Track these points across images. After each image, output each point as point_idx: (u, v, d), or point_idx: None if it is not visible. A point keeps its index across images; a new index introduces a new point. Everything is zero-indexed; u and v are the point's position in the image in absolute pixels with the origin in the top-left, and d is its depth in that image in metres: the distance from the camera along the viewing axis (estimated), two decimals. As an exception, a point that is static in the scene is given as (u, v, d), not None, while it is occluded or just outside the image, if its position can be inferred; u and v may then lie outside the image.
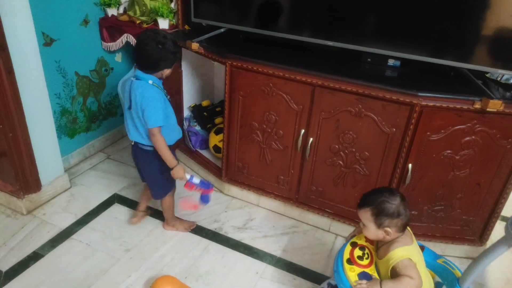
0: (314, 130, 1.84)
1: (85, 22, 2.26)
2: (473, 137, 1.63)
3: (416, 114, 1.59)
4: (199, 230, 2.03)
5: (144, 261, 1.82)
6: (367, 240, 1.39)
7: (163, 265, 1.80)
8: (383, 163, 1.77)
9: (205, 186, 1.72)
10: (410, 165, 1.71)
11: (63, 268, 1.75)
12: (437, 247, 1.95)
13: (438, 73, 1.79)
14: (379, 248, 1.35)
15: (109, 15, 2.33)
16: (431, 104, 1.56)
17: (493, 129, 1.59)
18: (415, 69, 1.81)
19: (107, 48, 2.41)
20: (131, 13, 2.31)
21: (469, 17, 1.60)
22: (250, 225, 2.09)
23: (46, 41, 2.05)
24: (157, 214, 2.09)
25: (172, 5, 2.23)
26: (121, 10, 2.37)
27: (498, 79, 1.74)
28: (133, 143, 1.71)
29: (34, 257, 1.80)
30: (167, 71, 1.61)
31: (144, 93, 1.53)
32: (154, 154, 1.65)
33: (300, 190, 2.03)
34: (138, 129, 1.62)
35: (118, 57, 2.57)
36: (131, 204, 2.16)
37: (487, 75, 1.77)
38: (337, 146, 1.83)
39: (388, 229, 1.26)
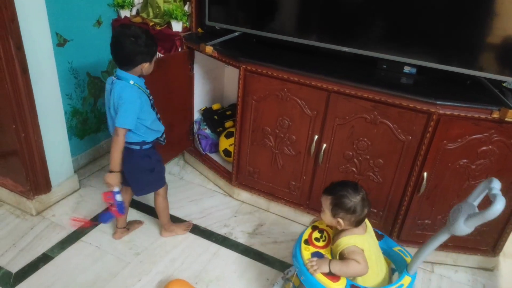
0: (328, 136, 1.82)
1: (98, 23, 2.26)
2: (489, 146, 1.61)
3: (433, 123, 1.57)
4: (208, 235, 2.01)
5: (154, 265, 1.80)
6: (328, 225, 1.45)
7: (174, 270, 1.79)
8: (397, 171, 1.75)
9: (120, 208, 1.64)
10: (425, 174, 1.69)
11: (73, 271, 1.74)
12: (449, 257, 1.93)
13: (454, 81, 1.77)
14: (335, 234, 1.43)
15: (122, 16, 2.33)
16: (448, 112, 1.55)
17: (511, 139, 1.58)
18: (431, 77, 1.80)
19: (119, 50, 2.40)
20: (144, 15, 2.30)
21: (487, 26, 1.59)
22: (260, 230, 2.07)
23: (60, 42, 2.05)
24: (167, 217, 2.08)
25: (186, 8, 2.22)
26: (134, 12, 2.37)
27: (516, 88, 1.73)
28: None
29: (44, 259, 1.79)
30: (146, 66, 1.55)
31: (121, 93, 1.51)
32: (139, 152, 1.61)
33: (311, 196, 2.01)
34: None
35: (129, 59, 2.56)
36: (140, 207, 2.15)
37: (504, 84, 1.76)
38: (350, 153, 1.81)
39: (341, 220, 1.33)
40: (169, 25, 2.23)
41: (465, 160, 1.66)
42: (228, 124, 2.49)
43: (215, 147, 2.49)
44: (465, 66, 1.65)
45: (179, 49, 2.19)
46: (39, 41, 1.75)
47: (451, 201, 1.77)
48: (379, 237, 1.50)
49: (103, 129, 2.55)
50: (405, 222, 1.86)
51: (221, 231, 2.05)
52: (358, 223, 1.34)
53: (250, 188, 2.21)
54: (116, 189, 1.59)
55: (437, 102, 1.54)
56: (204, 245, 1.94)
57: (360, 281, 1.33)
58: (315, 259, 1.33)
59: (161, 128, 1.71)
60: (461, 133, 1.59)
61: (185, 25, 2.23)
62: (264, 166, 2.09)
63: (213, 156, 2.47)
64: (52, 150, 2.00)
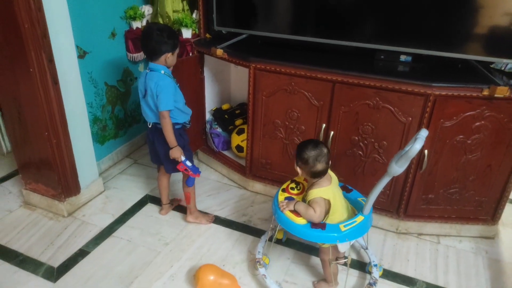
0: (335, 123, 1.99)
1: (113, 35, 2.42)
2: (482, 122, 1.78)
3: (430, 103, 1.74)
4: (229, 224, 2.17)
5: (183, 252, 1.95)
6: (305, 179, 1.73)
7: (201, 256, 1.94)
8: (400, 151, 1.91)
9: (194, 170, 1.92)
10: (426, 151, 1.85)
11: (109, 262, 1.88)
12: (453, 229, 2.09)
13: (447, 66, 1.94)
14: (308, 186, 1.66)
15: (134, 27, 2.50)
16: (443, 93, 1.72)
17: (501, 114, 1.75)
18: (426, 64, 1.97)
19: (132, 59, 2.57)
20: (154, 25, 2.47)
21: (474, 13, 1.75)
22: (277, 216, 2.23)
23: (80, 54, 2.21)
24: (189, 210, 2.24)
25: (194, 15, 2.39)
26: (144, 23, 2.54)
27: (502, 68, 1.90)
28: (150, 125, 1.92)
29: (81, 253, 1.93)
30: (169, 56, 1.80)
31: (159, 82, 1.77)
32: (179, 131, 1.89)
33: (322, 181, 2.17)
34: (155, 112, 1.84)
35: (141, 67, 2.73)
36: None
37: (492, 66, 1.93)
38: (356, 138, 1.97)
39: (299, 169, 1.60)
40: (179, 32, 2.39)
41: (461, 136, 1.82)
42: (238, 122, 2.65)
43: (227, 145, 2.65)
44: (456, 51, 1.82)
45: (190, 54, 2.36)
46: (66, 54, 1.92)
47: (451, 175, 1.93)
48: (349, 190, 1.77)
49: (120, 135, 2.71)
50: (410, 199, 2.02)
51: (240, 219, 2.20)
52: (315, 174, 1.57)
53: (263, 179, 2.37)
54: (183, 158, 1.87)
55: (433, 84, 1.71)
56: (226, 233, 2.10)
57: (329, 220, 1.59)
58: (286, 201, 1.63)
59: (189, 111, 1.96)
60: (456, 111, 1.76)
61: (194, 31, 2.39)
62: (276, 157, 2.25)
63: (226, 153, 2.63)
64: (80, 155, 2.15)
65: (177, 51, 1.84)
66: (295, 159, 1.62)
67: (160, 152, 1.94)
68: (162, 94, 1.76)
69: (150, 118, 1.89)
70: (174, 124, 1.86)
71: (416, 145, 1.32)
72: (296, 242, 2.02)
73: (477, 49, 1.81)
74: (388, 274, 1.86)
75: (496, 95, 1.67)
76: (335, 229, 1.53)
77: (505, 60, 1.78)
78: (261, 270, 1.77)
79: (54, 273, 1.82)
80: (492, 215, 2.05)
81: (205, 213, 2.22)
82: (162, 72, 1.79)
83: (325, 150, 1.57)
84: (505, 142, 1.82)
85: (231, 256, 1.95)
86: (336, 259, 1.72)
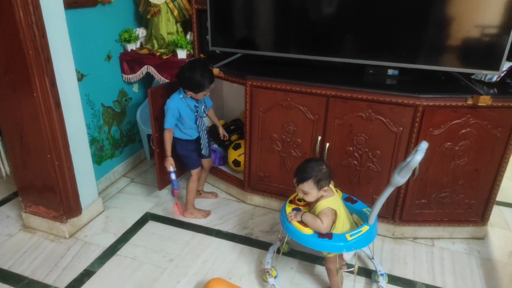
0: (330, 135, 2.08)
1: (108, 57, 2.48)
2: (468, 129, 1.90)
3: (419, 113, 1.86)
4: (231, 237, 2.21)
5: (189, 268, 1.98)
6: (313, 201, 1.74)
7: (207, 270, 1.97)
8: (393, 159, 2.01)
9: (174, 185, 2.19)
10: (417, 158, 1.96)
11: (116, 281, 1.90)
12: (446, 231, 2.19)
13: (431, 78, 2.07)
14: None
15: (129, 50, 2.56)
16: (431, 103, 1.83)
17: (485, 121, 1.87)
18: (412, 76, 2.10)
19: (127, 80, 2.62)
20: (149, 46, 2.54)
21: (454, 29, 1.89)
22: (277, 228, 2.29)
23: (78, 77, 2.25)
24: (191, 226, 2.28)
25: (188, 37, 2.47)
26: (138, 45, 2.60)
27: (482, 79, 2.04)
28: None
29: (87, 274, 1.94)
30: (191, 94, 2.04)
31: (168, 101, 2.10)
32: (178, 142, 2.20)
33: (319, 191, 2.25)
34: (177, 126, 2.16)
35: (135, 88, 2.79)
36: (164, 220, 2.34)
37: (473, 77, 2.07)
38: (351, 148, 2.07)
39: (326, 187, 1.62)
40: (174, 53, 2.47)
41: (449, 143, 1.94)
42: (233, 137, 2.71)
43: (223, 160, 2.71)
44: (439, 64, 1.95)
45: (186, 74, 2.43)
46: (67, 78, 1.96)
47: (441, 180, 2.04)
48: (354, 201, 1.83)
49: (117, 154, 2.74)
50: (405, 204, 2.11)
51: (242, 232, 2.25)
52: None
53: (262, 192, 2.43)
54: (171, 169, 2.15)
55: (421, 96, 1.83)
56: (229, 246, 2.14)
57: (334, 229, 1.65)
58: (293, 212, 1.70)
59: (193, 136, 2.21)
60: (443, 120, 1.88)
61: (189, 52, 2.47)
62: (274, 170, 2.33)
63: (223, 168, 2.68)
64: (80, 176, 2.17)
65: (204, 92, 2.05)
66: (315, 189, 1.60)
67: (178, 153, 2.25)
68: (166, 113, 2.09)
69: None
70: (177, 138, 2.19)
71: (417, 157, 1.40)
72: (299, 252, 2.09)
73: (459, 62, 1.95)
74: (388, 278, 1.93)
75: (479, 104, 1.79)
76: (342, 239, 1.59)
77: (484, 71, 1.92)
78: (271, 280, 1.82)
79: (61, 295, 1.83)
80: (481, 217, 2.16)
81: (204, 229, 2.26)
82: (180, 96, 2.08)
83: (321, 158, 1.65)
84: (490, 147, 1.94)
85: (236, 268, 1.99)
86: (340, 267, 1.78)
